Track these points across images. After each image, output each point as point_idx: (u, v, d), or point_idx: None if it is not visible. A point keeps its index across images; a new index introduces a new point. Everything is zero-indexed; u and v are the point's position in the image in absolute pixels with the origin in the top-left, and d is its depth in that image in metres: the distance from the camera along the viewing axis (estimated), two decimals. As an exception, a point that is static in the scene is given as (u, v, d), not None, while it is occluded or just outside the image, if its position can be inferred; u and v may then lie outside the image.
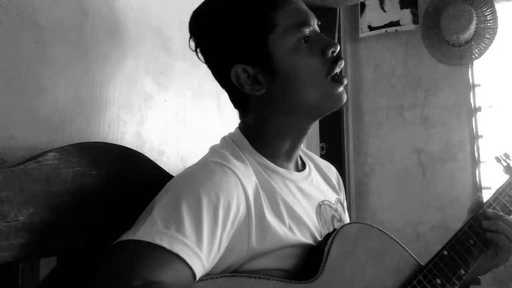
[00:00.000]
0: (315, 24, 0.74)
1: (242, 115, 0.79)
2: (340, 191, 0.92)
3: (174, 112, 1.17)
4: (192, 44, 0.77)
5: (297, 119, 0.75)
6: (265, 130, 0.75)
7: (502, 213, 0.86)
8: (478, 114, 2.21)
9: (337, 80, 0.72)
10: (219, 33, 0.71)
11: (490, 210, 0.85)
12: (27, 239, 0.59)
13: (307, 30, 0.71)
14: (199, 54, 0.76)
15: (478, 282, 0.92)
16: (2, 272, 0.59)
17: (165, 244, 0.54)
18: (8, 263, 0.57)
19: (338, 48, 0.72)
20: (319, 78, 0.71)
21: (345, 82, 0.73)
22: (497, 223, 0.81)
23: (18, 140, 0.74)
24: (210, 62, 0.76)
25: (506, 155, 1.07)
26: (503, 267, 0.87)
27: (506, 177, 0.99)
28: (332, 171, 0.94)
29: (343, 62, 0.73)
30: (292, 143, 0.77)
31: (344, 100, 0.74)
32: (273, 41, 0.69)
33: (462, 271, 0.76)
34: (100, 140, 0.91)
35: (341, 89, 0.73)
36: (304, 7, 0.73)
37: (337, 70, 0.72)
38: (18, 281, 0.59)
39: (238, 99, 0.77)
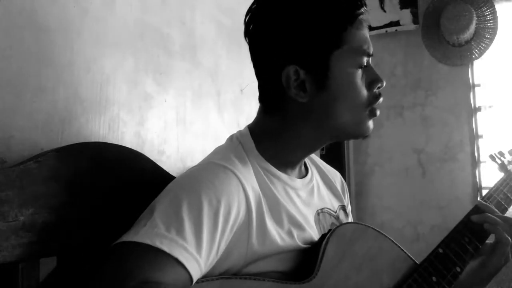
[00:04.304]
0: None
1: (266, 113, 0.77)
2: (345, 198, 0.92)
3: (174, 112, 1.17)
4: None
5: (319, 136, 0.74)
6: (284, 137, 0.74)
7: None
8: (478, 114, 2.21)
9: (373, 114, 0.74)
10: (289, 27, 0.69)
11: (482, 202, 0.87)
12: (27, 239, 0.59)
13: (366, 60, 0.72)
14: (251, 42, 0.74)
15: None
16: (2, 272, 0.59)
17: (165, 247, 0.55)
18: (8, 263, 0.57)
19: (384, 84, 0.74)
20: (360, 108, 0.72)
21: (378, 115, 0.74)
22: (485, 216, 0.83)
23: (18, 140, 0.74)
24: (266, 55, 0.73)
25: (501, 153, 1.08)
26: (504, 267, 0.87)
27: (501, 175, 1.00)
28: (337, 177, 0.94)
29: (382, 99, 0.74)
30: (301, 155, 0.78)
31: (370, 131, 0.74)
32: (337, 57, 0.69)
33: (458, 269, 0.77)
34: (100, 140, 0.91)
35: (372, 122, 0.74)
36: (368, 36, 0.74)
37: (376, 105, 0.74)
38: (18, 281, 0.59)
39: (276, 97, 0.74)
